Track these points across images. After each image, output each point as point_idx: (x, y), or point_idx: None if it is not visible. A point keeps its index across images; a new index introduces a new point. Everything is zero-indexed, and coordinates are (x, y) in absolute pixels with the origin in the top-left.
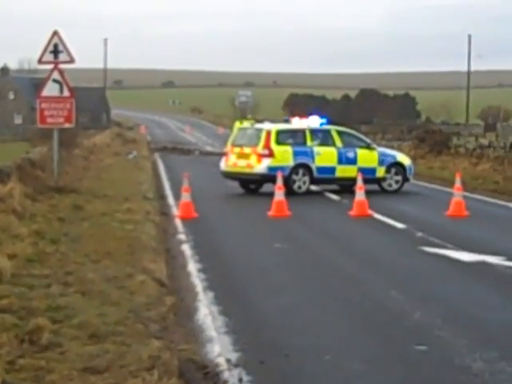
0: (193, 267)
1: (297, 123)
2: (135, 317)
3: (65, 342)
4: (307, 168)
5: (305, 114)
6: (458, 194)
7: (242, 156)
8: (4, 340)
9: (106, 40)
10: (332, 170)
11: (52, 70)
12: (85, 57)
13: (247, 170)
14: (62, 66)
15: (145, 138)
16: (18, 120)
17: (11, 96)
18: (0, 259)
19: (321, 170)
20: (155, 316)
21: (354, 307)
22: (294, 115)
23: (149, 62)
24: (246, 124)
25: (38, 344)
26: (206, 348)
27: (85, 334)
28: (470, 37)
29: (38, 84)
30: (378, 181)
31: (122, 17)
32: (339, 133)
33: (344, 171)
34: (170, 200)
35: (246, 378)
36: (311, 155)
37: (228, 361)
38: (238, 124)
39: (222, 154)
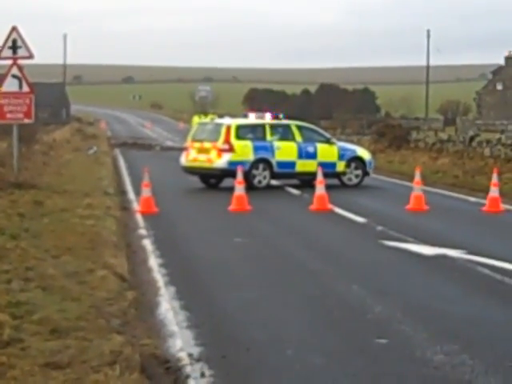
0: (154, 262)
1: (253, 118)
2: (96, 312)
3: (26, 337)
4: (267, 163)
5: (266, 109)
6: (417, 188)
7: (202, 151)
8: None
9: (65, 36)
10: (292, 164)
11: (11, 66)
12: (44, 52)
13: (207, 165)
14: (20, 62)
15: (105, 134)
16: None
17: None
18: None
19: (281, 164)
20: (116, 311)
21: (315, 301)
22: (254, 110)
23: (108, 58)
24: (205, 119)
25: None
26: (168, 343)
27: (46, 329)
28: (428, 32)
29: None
30: (338, 175)
31: (81, 12)
32: (299, 127)
33: (304, 166)
34: (131, 195)
35: (208, 373)
36: (271, 150)
37: (190, 355)
38: (196, 118)
39: (183, 149)
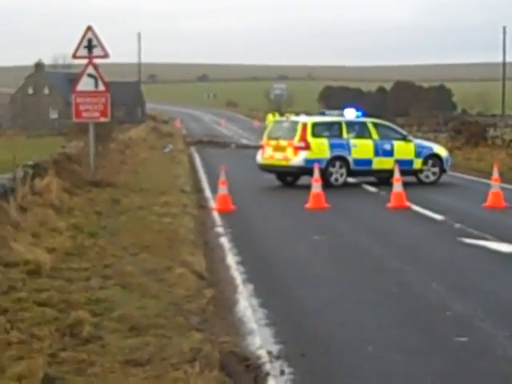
0: (231, 260)
1: (349, 114)
2: (175, 309)
3: (106, 334)
4: (344, 160)
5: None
6: (495, 185)
7: (278, 149)
8: (45, 333)
9: (139, 34)
10: (369, 162)
11: (86, 65)
12: (119, 51)
13: (284, 163)
14: (96, 61)
15: (180, 132)
16: (54, 115)
17: (46, 91)
18: (39, 253)
19: (357, 162)
20: (195, 308)
21: (394, 299)
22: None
23: (183, 57)
24: (279, 117)
25: (79, 337)
26: (247, 340)
27: (125, 326)
28: (504, 28)
29: (73, 79)
30: (415, 172)
31: (156, 11)
32: (375, 125)
33: (381, 163)
34: (207, 193)
35: (287, 370)
36: (348, 147)
37: (269, 353)
38: (270, 117)
39: (258, 147)
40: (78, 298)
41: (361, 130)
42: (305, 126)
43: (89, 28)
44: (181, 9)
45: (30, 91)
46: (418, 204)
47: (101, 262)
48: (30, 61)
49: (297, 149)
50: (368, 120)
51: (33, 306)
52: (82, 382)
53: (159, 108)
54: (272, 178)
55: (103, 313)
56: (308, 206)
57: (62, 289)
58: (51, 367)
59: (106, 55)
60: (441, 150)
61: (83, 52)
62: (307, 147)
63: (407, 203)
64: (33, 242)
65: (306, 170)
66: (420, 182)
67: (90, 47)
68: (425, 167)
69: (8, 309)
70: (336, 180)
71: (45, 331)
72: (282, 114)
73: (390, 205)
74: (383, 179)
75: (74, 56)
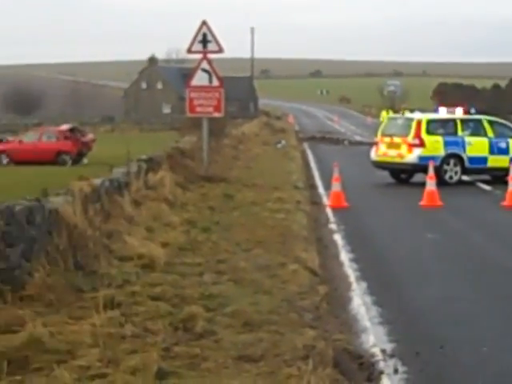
0: (345, 257)
1: (444, 113)
2: (288, 306)
3: (219, 330)
4: (458, 158)
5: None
6: None
7: (392, 146)
8: (159, 327)
9: (252, 29)
10: (484, 160)
11: (201, 60)
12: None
13: (398, 160)
14: (210, 56)
15: (293, 128)
16: (167, 109)
17: (159, 86)
18: (153, 247)
19: (472, 160)
20: (309, 305)
21: (509, 300)
22: (445, 105)
23: (296, 52)
24: (393, 114)
25: (192, 332)
26: (361, 338)
27: (238, 322)
28: None
29: (186, 74)
30: None
31: (269, 6)
32: (490, 123)
33: (496, 161)
34: (320, 189)
35: (401, 369)
36: (462, 145)
37: (383, 351)
38: (384, 114)
39: (372, 144)
40: (192, 292)
41: (476, 128)
42: (419, 123)
43: (204, 23)
44: (295, 2)
45: (144, 86)
46: None
47: (214, 257)
48: (144, 55)
49: (411, 146)
50: (483, 117)
51: (147, 300)
52: (195, 376)
53: (272, 103)
54: (385, 175)
55: (216, 308)
56: (422, 203)
57: (175, 283)
58: (165, 361)
59: (220, 50)
60: None
61: (198, 47)
62: (421, 144)
63: None
64: (147, 236)
65: (419, 167)
66: None
67: (204, 42)
68: None
69: (122, 302)
70: (450, 178)
71: (158, 325)
72: (395, 111)
73: (504, 203)
74: (498, 177)
75: (189, 51)
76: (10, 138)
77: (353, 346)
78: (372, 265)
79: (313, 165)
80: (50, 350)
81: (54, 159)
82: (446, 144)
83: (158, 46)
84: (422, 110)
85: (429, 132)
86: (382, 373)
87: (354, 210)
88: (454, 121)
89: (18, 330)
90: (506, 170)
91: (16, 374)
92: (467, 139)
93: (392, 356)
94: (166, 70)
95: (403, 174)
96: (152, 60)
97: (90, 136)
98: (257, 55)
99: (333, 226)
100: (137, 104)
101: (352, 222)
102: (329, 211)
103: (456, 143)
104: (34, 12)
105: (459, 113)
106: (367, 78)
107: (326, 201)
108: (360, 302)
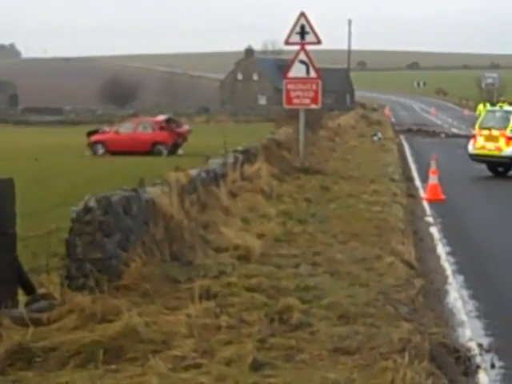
0: (441, 250)
1: None
2: (384, 298)
3: (314, 322)
4: None
5: None
6: None
7: (490, 139)
8: (255, 318)
9: (350, 21)
10: None
11: (298, 51)
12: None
13: (495, 153)
14: (308, 47)
15: (389, 120)
16: (262, 101)
17: (255, 77)
18: (249, 238)
19: None
20: (404, 298)
21: None
22: None
23: (393, 44)
24: (491, 106)
25: (288, 323)
26: (457, 332)
27: (334, 314)
28: None
29: (282, 65)
30: None
31: None
32: None
33: None
34: (417, 182)
35: (498, 364)
36: None
37: (480, 346)
38: (481, 107)
39: (469, 137)
40: (287, 284)
41: None
42: None
43: (302, 14)
44: None
45: (240, 77)
46: None
47: (310, 249)
48: (240, 47)
49: (509, 139)
50: None
51: (242, 291)
52: (290, 368)
53: (368, 95)
54: (483, 168)
55: (312, 300)
56: None
57: (271, 275)
58: (260, 352)
59: (318, 42)
60: None
61: (295, 38)
62: None
63: None
64: (242, 227)
65: None
66: None
67: (302, 33)
68: None
69: (218, 293)
70: None
71: (254, 316)
72: (493, 104)
73: None
74: None
75: (287, 42)
76: (107, 129)
77: (449, 340)
78: (469, 258)
79: (409, 157)
80: (145, 340)
81: (149, 150)
82: None
83: (254, 37)
84: None
85: None
86: (478, 367)
87: (451, 203)
88: None
89: (114, 320)
90: None
91: (111, 363)
92: None
93: (489, 350)
94: (262, 62)
95: (501, 168)
96: (248, 51)
97: (186, 127)
98: (354, 47)
99: (429, 219)
100: (232, 95)
101: (449, 214)
102: (425, 204)
103: None
104: (131, 3)
105: None
106: (464, 71)
107: (422, 193)
108: (456, 296)
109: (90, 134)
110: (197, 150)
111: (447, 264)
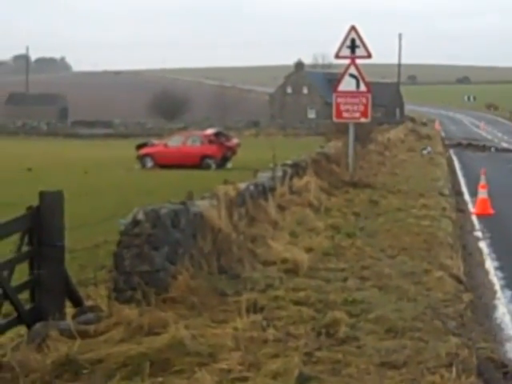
0: (490, 265)
1: None
2: (432, 313)
3: (362, 336)
4: None
5: None
6: None
7: None
8: (301, 332)
9: (400, 35)
10: None
11: (349, 65)
12: (378, 52)
13: None
14: (358, 61)
15: (439, 134)
16: (312, 114)
17: (305, 91)
18: (297, 252)
19: None
20: (453, 313)
21: None
22: None
23: (443, 58)
24: None
25: (335, 337)
26: (505, 347)
27: (382, 328)
28: None
29: (332, 79)
30: None
31: (416, 12)
32: None
33: None
34: (466, 196)
35: None
36: None
37: None
38: None
39: None
40: (335, 298)
41: None
42: None
43: (352, 28)
44: (443, 8)
45: (289, 90)
46: None
47: (358, 263)
48: (290, 60)
49: None
50: None
51: (289, 304)
52: (337, 382)
53: (418, 109)
54: None
55: (360, 314)
56: None
57: (318, 288)
58: (306, 366)
59: (369, 56)
60: None
61: (346, 52)
62: None
63: None
64: (290, 240)
65: None
66: None
67: (352, 47)
68: None
69: (265, 307)
70: None
71: (301, 330)
72: None
73: None
74: None
75: (337, 56)
76: (156, 142)
77: (497, 355)
78: None
79: (458, 171)
80: (192, 353)
81: (198, 163)
82: None
83: (304, 50)
84: None
85: None
86: None
87: (499, 218)
88: None
89: (161, 332)
90: None
91: (158, 375)
92: None
93: None
94: (311, 75)
95: None
96: (298, 65)
97: (235, 140)
98: (404, 61)
99: (478, 234)
100: (282, 109)
101: (498, 229)
102: (474, 218)
103: None
104: (181, 17)
105: None
106: None
107: (471, 208)
108: (505, 311)
109: (139, 147)
110: (246, 164)
111: (496, 279)
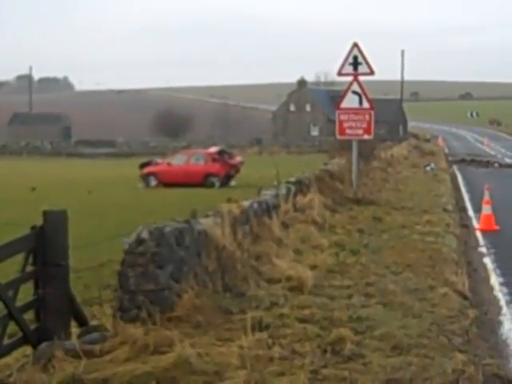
0: (495, 280)
1: None
2: (438, 329)
3: (367, 353)
4: None
5: None
6: None
7: None
8: (307, 349)
9: (403, 52)
10: None
11: (351, 82)
12: (381, 68)
13: None
14: (361, 78)
15: (442, 150)
16: (314, 132)
17: (308, 108)
18: (302, 270)
19: None
20: (458, 329)
21: None
22: None
23: (445, 74)
24: None
25: (340, 354)
26: (511, 363)
27: (387, 345)
28: None
29: (334, 96)
30: None
31: (418, 29)
32: None
33: None
34: (470, 212)
35: None
36: None
37: None
38: None
39: None
40: (340, 315)
41: None
42: None
43: (355, 45)
44: (446, 25)
45: (292, 108)
46: None
47: (363, 280)
48: (293, 78)
49: None
50: None
51: (295, 322)
52: None
53: (421, 126)
54: None
55: (365, 331)
56: None
57: (323, 306)
58: None
59: (371, 72)
60: None
61: (348, 69)
62: None
63: None
64: (295, 258)
65: None
66: None
67: (355, 64)
68: None
69: (270, 324)
70: None
71: (306, 348)
72: None
73: None
74: None
75: (339, 73)
76: (159, 160)
77: (503, 371)
78: None
79: (462, 187)
80: (198, 372)
81: (202, 181)
82: None
83: (306, 68)
84: None
85: None
86: None
87: (504, 234)
88: None
89: (167, 351)
90: None
91: None
92: None
93: None
94: (314, 93)
95: None
96: (301, 82)
97: (238, 158)
98: (407, 77)
99: (483, 250)
100: (285, 126)
101: (502, 245)
102: (479, 234)
103: None
104: (184, 36)
105: None
106: None
107: (475, 224)
108: (510, 327)
109: (142, 165)
110: (249, 182)
111: (501, 294)
